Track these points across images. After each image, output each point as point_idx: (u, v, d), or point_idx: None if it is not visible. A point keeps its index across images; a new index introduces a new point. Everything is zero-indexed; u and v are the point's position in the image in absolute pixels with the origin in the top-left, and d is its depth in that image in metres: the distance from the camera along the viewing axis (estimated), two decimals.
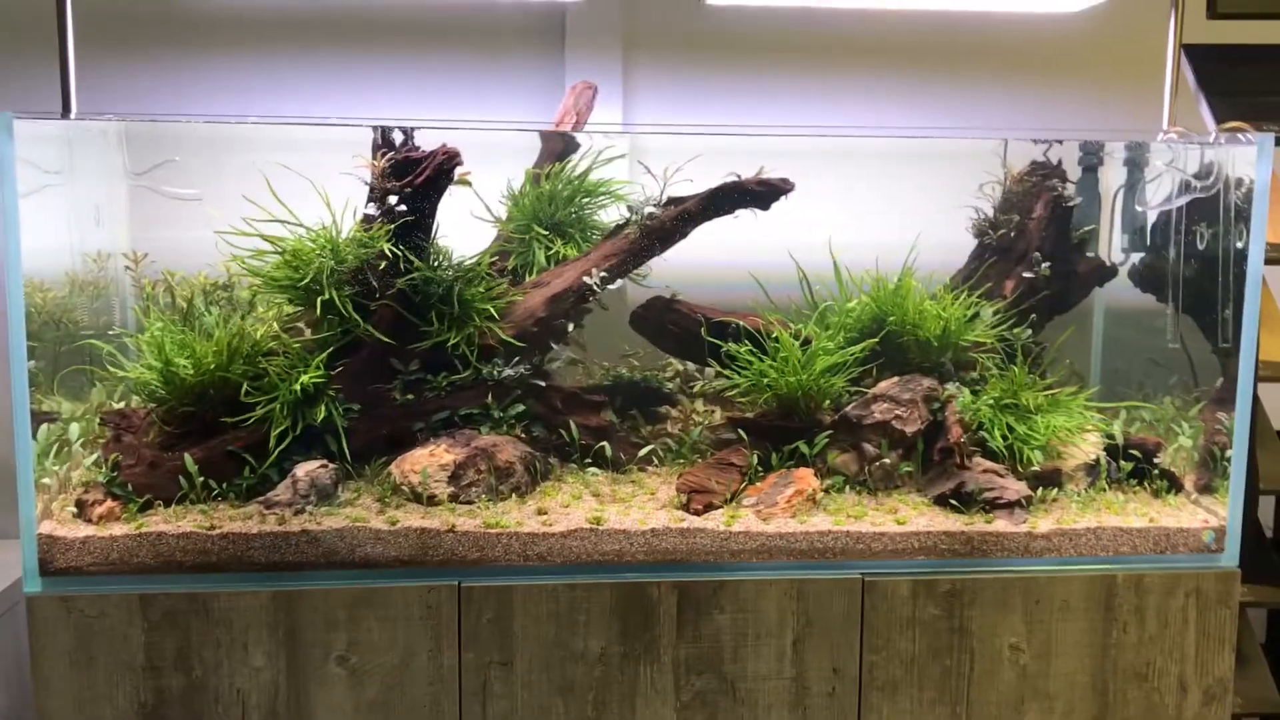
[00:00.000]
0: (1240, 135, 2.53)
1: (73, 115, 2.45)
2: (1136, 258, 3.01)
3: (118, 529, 2.28)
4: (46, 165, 2.58)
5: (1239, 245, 2.52)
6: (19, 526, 2.25)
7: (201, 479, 2.35)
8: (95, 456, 2.44)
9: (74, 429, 2.45)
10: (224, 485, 2.38)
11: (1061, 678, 2.48)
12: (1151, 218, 2.98)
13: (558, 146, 2.86)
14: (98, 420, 2.49)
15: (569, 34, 3.29)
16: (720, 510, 2.48)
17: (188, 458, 2.35)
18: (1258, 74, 2.97)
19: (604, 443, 2.61)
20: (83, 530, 2.28)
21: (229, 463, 2.39)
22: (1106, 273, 3.00)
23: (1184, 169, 2.66)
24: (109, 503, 2.32)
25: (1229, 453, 2.62)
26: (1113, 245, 3.05)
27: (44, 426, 2.41)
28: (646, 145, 2.99)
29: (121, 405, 2.57)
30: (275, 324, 2.40)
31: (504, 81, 3.32)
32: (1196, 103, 2.89)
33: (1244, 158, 2.50)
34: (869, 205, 3.04)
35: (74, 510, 2.34)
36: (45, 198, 2.56)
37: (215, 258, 2.71)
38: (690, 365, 2.98)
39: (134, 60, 3.14)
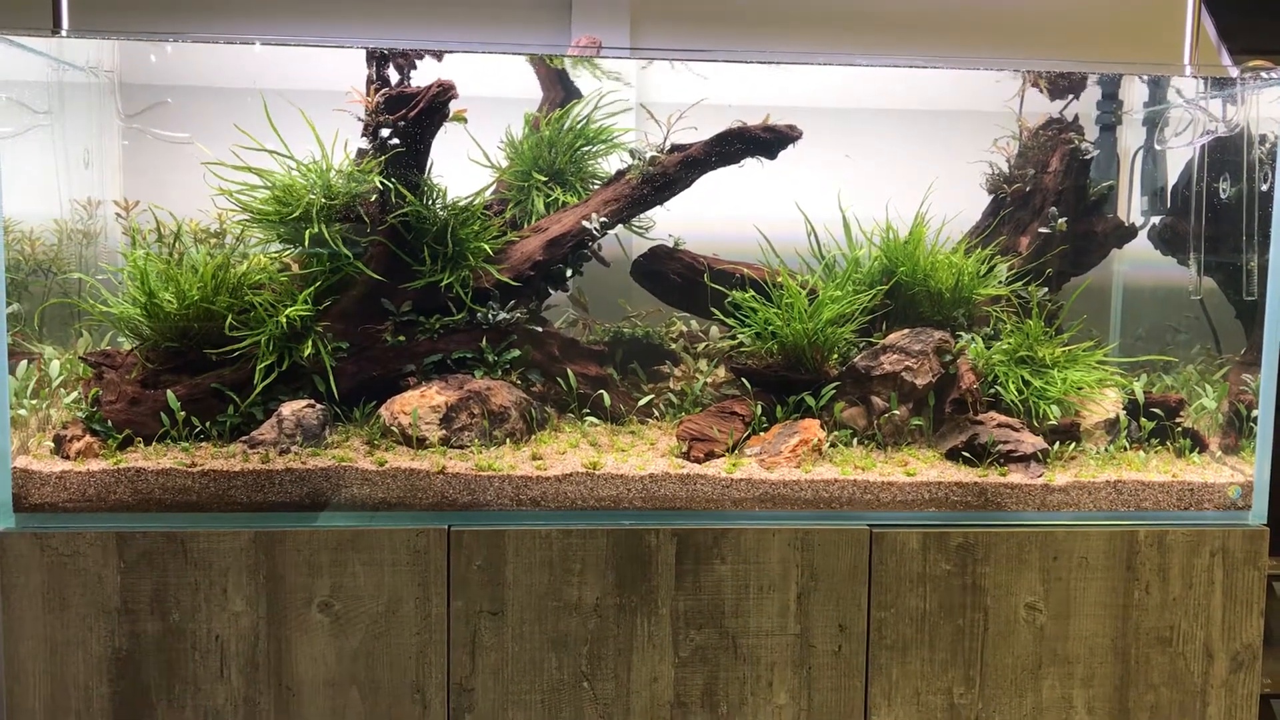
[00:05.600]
0: (1263, 73, 2.44)
1: (64, 32, 2.38)
2: (1157, 219, 2.91)
3: (95, 465, 2.20)
4: (36, 105, 2.53)
5: (1263, 189, 2.42)
6: None
7: (184, 416, 2.27)
8: (75, 395, 2.36)
9: (54, 366, 2.37)
10: (207, 424, 2.29)
11: (1080, 640, 2.36)
12: (1173, 178, 2.89)
13: (559, 95, 2.79)
14: (81, 362, 2.42)
15: (575, 7, 3.23)
16: (721, 458, 2.38)
17: (170, 394, 2.26)
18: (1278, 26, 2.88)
19: (602, 391, 2.52)
20: (59, 465, 2.20)
21: (213, 400, 2.30)
22: (1126, 233, 2.90)
23: (1206, 107, 2.57)
24: (87, 438, 2.24)
25: (1255, 411, 2.51)
26: (1132, 206, 2.96)
27: (24, 363, 2.33)
28: (653, 100, 2.91)
29: (106, 348, 2.50)
30: (263, 256, 2.32)
31: (507, 47, 3.25)
32: (1218, 55, 2.80)
33: (1267, 97, 2.41)
34: (882, 164, 2.96)
35: (51, 445, 2.25)
36: (33, 138, 2.51)
37: (207, 204, 2.65)
38: (695, 324, 2.89)
39: (127, 23, 3.09)
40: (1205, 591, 2.38)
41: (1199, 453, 2.56)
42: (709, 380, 2.66)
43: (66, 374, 2.41)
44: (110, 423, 2.25)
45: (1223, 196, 2.58)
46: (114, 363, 2.37)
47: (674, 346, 2.83)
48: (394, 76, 2.46)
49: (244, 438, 2.27)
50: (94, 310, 2.37)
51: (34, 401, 2.34)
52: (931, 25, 3.30)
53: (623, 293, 2.85)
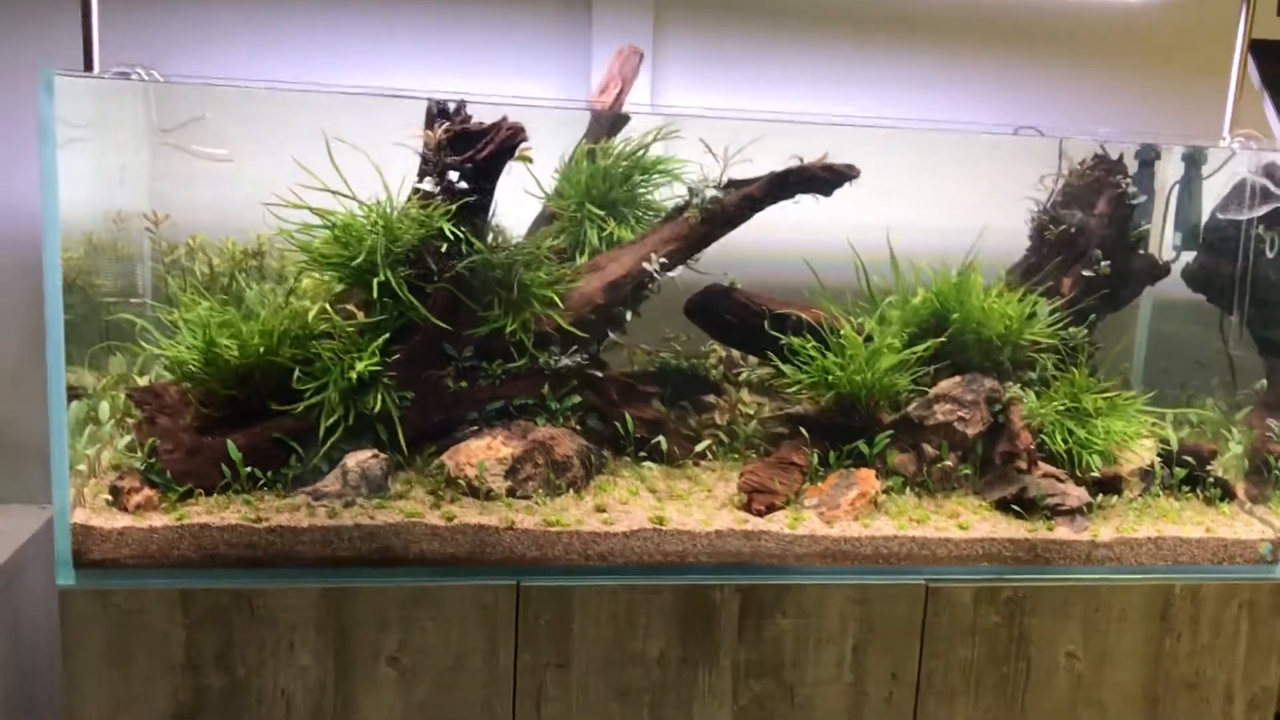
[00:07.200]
0: None
1: (109, 72, 2.24)
2: (1188, 256, 2.96)
3: (157, 520, 2.14)
4: (72, 119, 2.39)
5: None
6: (20, 492, 2.10)
7: (247, 471, 2.21)
8: (129, 440, 2.28)
9: (104, 407, 2.29)
10: (268, 474, 2.24)
11: (1114, 687, 2.46)
12: (1206, 216, 2.93)
13: (609, 120, 2.72)
14: (124, 396, 2.33)
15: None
16: (782, 511, 2.40)
17: (231, 444, 2.21)
18: None
19: (660, 437, 2.51)
20: (119, 520, 2.14)
21: (273, 450, 2.25)
22: (1158, 271, 2.94)
23: (1259, 173, 2.60)
24: (146, 490, 2.18)
25: None
26: (1164, 243, 2.99)
27: (72, 404, 2.25)
28: (685, 120, 2.84)
29: (146, 380, 2.42)
30: (327, 305, 2.24)
31: (526, 45, 3.13)
32: (1261, 100, 2.82)
33: None
34: (921, 193, 2.94)
35: (108, 498, 2.19)
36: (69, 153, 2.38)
37: (242, 222, 2.56)
38: (734, 352, 2.89)
39: (155, 16, 2.91)
40: (1231, 640, 2.50)
41: (1228, 501, 2.65)
42: (757, 417, 2.67)
43: (113, 410, 2.33)
44: (169, 474, 2.19)
45: (1269, 254, 2.63)
46: (163, 402, 2.29)
47: (714, 374, 2.83)
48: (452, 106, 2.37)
49: (307, 489, 2.23)
50: (145, 352, 2.29)
51: (86, 449, 2.26)
52: (973, 29, 3.26)
53: (662, 316, 2.82)
